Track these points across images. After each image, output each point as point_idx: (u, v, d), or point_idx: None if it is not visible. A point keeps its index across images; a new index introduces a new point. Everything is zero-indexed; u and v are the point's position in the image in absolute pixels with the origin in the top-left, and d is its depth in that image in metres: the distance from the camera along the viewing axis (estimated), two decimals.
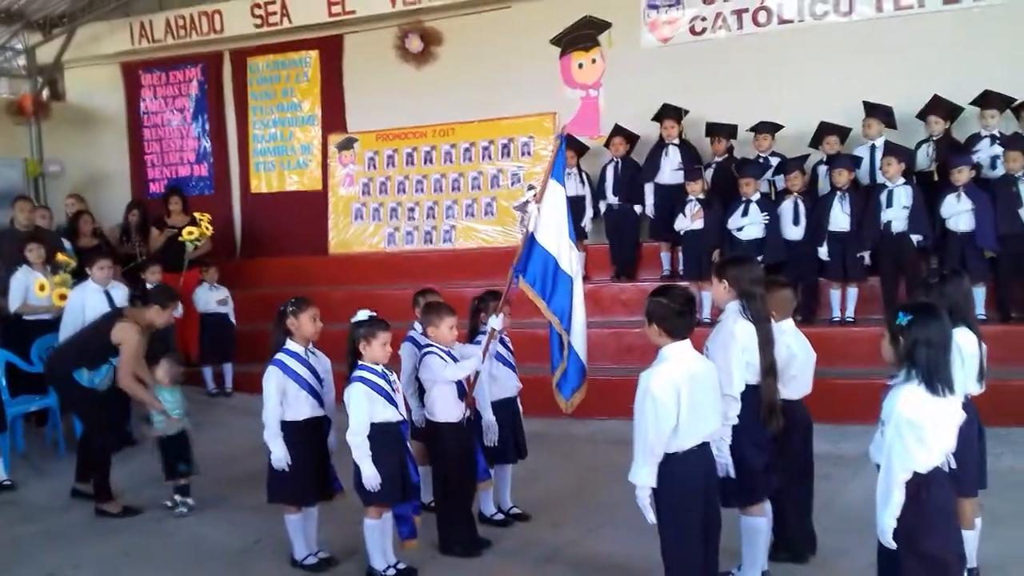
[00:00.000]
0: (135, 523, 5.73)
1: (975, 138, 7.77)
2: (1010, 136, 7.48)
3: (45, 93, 11.91)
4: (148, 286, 8.21)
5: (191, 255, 9.16)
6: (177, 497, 5.97)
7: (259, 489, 5.01)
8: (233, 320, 9.05)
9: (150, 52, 11.60)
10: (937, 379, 3.07)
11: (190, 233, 9.09)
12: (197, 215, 9.37)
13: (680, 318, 3.61)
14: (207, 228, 9.27)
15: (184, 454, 6.02)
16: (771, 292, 4.14)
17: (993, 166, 7.55)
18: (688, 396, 3.49)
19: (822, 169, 8.15)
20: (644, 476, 3.51)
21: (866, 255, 7.55)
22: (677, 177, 8.40)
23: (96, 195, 11.13)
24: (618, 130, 8.85)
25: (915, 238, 7.31)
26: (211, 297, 8.95)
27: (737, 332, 3.91)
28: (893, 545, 3.11)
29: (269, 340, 4.86)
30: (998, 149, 7.50)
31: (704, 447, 3.64)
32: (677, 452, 3.53)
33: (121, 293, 7.42)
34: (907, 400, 3.08)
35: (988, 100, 7.65)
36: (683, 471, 3.55)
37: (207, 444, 7.50)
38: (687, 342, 3.62)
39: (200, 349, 9.07)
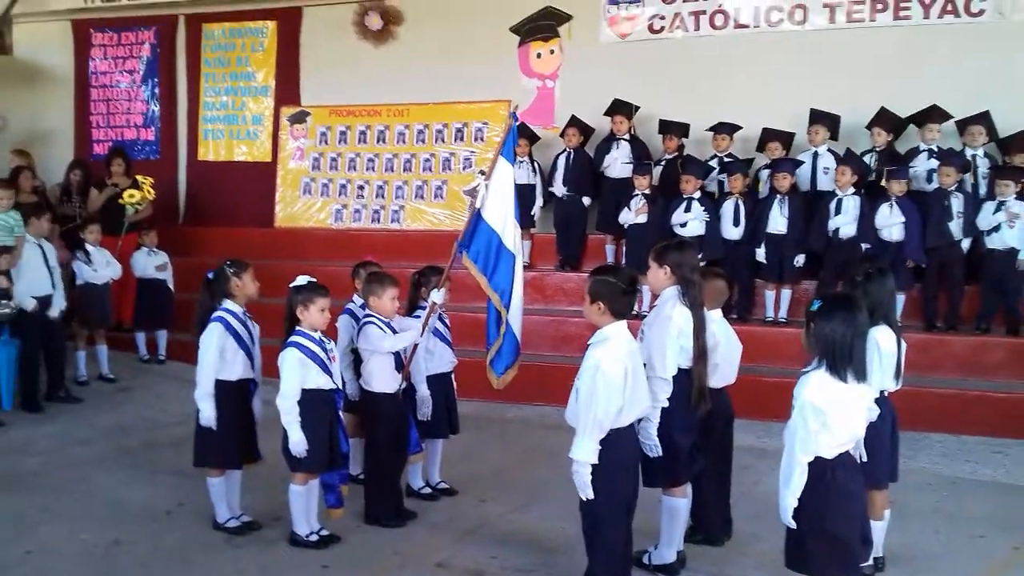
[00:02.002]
0: (54, 481, 5.64)
1: (914, 151, 8.01)
2: (946, 151, 7.72)
3: None
4: (87, 246, 8.08)
5: (131, 218, 9.00)
6: None
7: (185, 454, 4.98)
8: (171, 287, 8.90)
9: (103, 11, 11.40)
10: (843, 366, 3.17)
11: (131, 196, 8.93)
12: (139, 178, 9.20)
13: (624, 298, 3.68)
14: (149, 192, 9.12)
15: None
16: (706, 281, 4.24)
17: (929, 179, 7.79)
18: (632, 375, 3.57)
19: (764, 173, 8.33)
20: (587, 452, 3.55)
21: (801, 258, 7.73)
22: (625, 171, 8.51)
23: (38, 152, 10.81)
24: (574, 121, 8.94)
25: (864, 246, 7.51)
26: (149, 262, 8.78)
27: (675, 316, 3.99)
28: (793, 524, 3.21)
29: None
30: (934, 163, 7.74)
31: (632, 426, 3.72)
32: (615, 429, 3.60)
33: (51, 250, 7.32)
34: (813, 386, 3.19)
35: (931, 115, 7.88)
36: (619, 448, 3.62)
37: (136, 409, 7.48)
38: (625, 323, 3.69)
39: (135, 314, 8.90)
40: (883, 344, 3.91)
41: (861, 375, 3.19)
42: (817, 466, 3.17)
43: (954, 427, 6.64)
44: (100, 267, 8.08)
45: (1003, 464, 6.09)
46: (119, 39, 11.40)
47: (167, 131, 11.26)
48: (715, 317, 4.33)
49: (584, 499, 3.64)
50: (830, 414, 3.15)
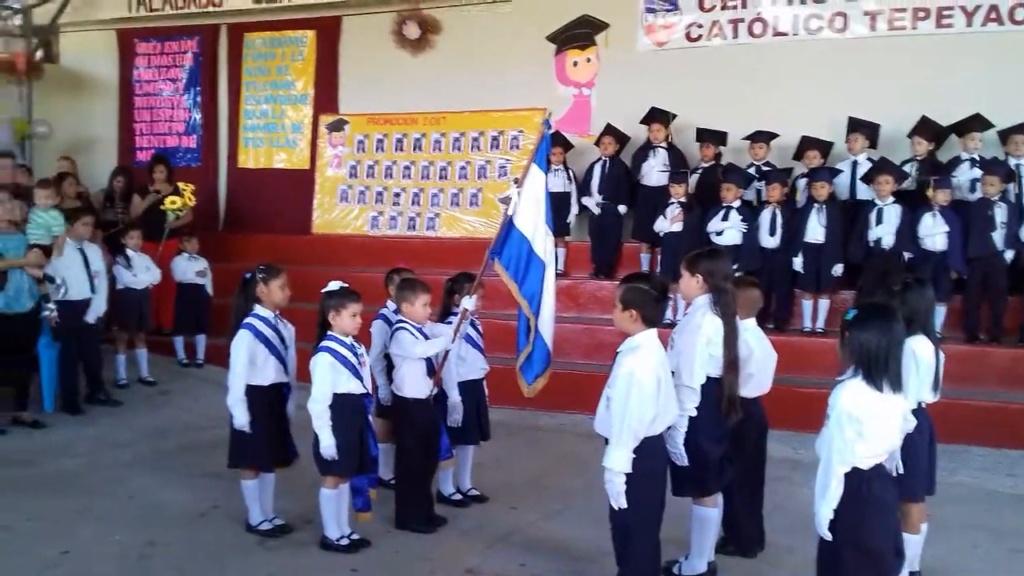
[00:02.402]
0: (92, 483, 5.73)
1: (956, 161, 7.87)
2: (989, 160, 7.58)
3: (39, 54, 11.84)
4: (128, 251, 8.22)
5: (172, 224, 9.14)
6: None
7: (220, 457, 5.03)
8: (210, 292, 9.02)
9: (147, 21, 11.61)
10: (878, 375, 3.12)
11: (172, 202, 9.07)
12: (181, 185, 9.35)
13: (656, 305, 3.66)
14: (190, 198, 9.26)
15: None
16: (740, 290, 4.21)
17: (972, 189, 7.66)
18: (663, 382, 3.55)
19: (801, 182, 8.24)
20: (621, 461, 3.53)
21: (839, 268, 7.63)
22: (661, 179, 8.47)
23: (82, 159, 11.05)
24: (609, 129, 8.92)
25: (906, 255, 7.40)
26: (189, 267, 8.91)
27: (704, 325, 3.96)
28: (829, 536, 3.16)
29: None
30: (977, 172, 7.61)
31: (660, 436, 3.70)
32: (648, 438, 3.58)
33: (96, 254, 7.44)
34: (849, 395, 3.14)
35: (972, 124, 7.75)
36: (652, 456, 3.61)
37: (174, 412, 7.59)
38: (655, 331, 3.68)
39: (174, 318, 9.04)
40: (921, 354, 3.84)
41: (897, 385, 3.14)
42: (853, 477, 3.12)
43: (995, 440, 6.50)
44: (140, 272, 8.22)
45: None
46: (162, 48, 11.62)
47: (208, 139, 11.44)
48: (749, 326, 4.29)
49: (616, 508, 3.61)
50: (866, 423, 3.10)
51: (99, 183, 10.28)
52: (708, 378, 3.95)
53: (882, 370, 3.11)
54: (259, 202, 10.98)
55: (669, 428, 3.81)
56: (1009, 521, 5.13)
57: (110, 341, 8.07)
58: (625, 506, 3.58)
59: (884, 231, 7.48)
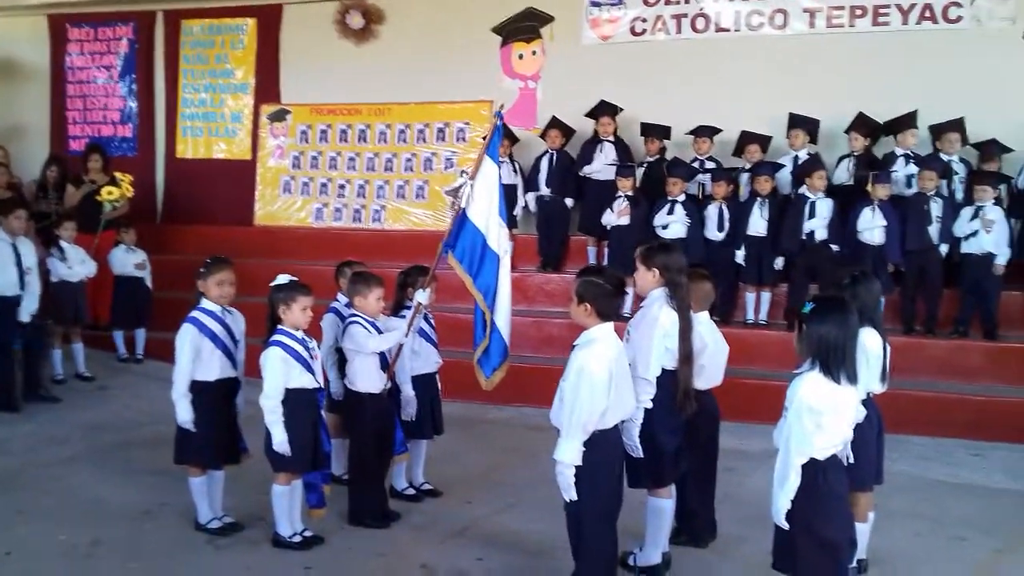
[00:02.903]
0: (31, 481, 5.56)
1: (891, 156, 8.09)
2: (926, 157, 7.80)
3: None
4: (62, 243, 7.97)
5: (108, 216, 8.89)
6: None
7: (163, 454, 4.93)
8: (150, 285, 8.80)
9: (79, 6, 11.27)
10: (836, 368, 3.19)
11: (109, 193, 8.83)
12: (118, 175, 9.11)
13: (611, 299, 3.67)
14: (128, 189, 9.03)
15: None
16: (693, 283, 4.24)
17: (908, 184, 7.88)
18: (616, 376, 3.57)
19: (744, 176, 8.38)
20: (571, 453, 3.54)
21: (780, 261, 7.79)
22: (609, 173, 8.52)
23: (13, 148, 10.59)
24: (555, 123, 8.94)
25: (834, 247, 7.58)
26: (128, 260, 8.67)
27: (661, 318, 3.99)
28: (786, 526, 3.22)
29: (185, 307, 4.77)
30: (912, 168, 7.83)
31: (617, 428, 3.72)
32: (600, 431, 3.60)
33: (28, 249, 7.18)
34: (808, 387, 3.19)
35: (907, 121, 7.96)
36: (604, 449, 3.62)
37: (114, 408, 7.39)
38: (611, 325, 3.69)
39: (112, 312, 8.78)
40: (870, 346, 3.93)
41: (853, 377, 3.21)
42: (809, 468, 3.18)
43: (933, 430, 6.69)
44: (75, 264, 7.97)
45: (982, 467, 6.16)
46: (96, 34, 11.28)
47: (145, 128, 11.16)
48: (702, 319, 4.34)
49: (568, 500, 3.63)
50: (825, 415, 3.17)
51: (31, 173, 9.93)
52: (663, 370, 3.99)
53: (840, 362, 3.17)
54: (198, 193, 10.75)
55: (624, 421, 3.83)
56: (950, 509, 5.29)
57: (46, 335, 7.81)
58: (576, 498, 3.60)
59: (817, 224, 7.65)
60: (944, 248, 7.48)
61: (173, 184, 11.12)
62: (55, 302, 7.77)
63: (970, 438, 6.61)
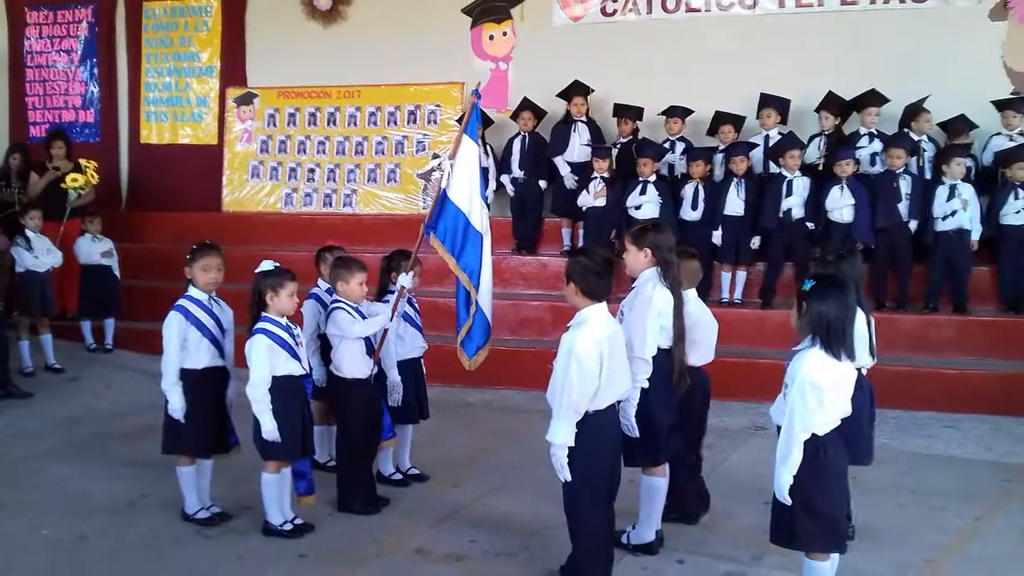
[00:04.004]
0: (9, 476, 5.45)
1: (856, 135, 8.19)
2: (895, 135, 7.90)
3: None
4: (28, 233, 7.80)
5: (73, 203, 8.71)
6: None
7: (144, 444, 4.87)
8: (117, 273, 8.64)
9: None
10: (836, 344, 3.23)
11: (74, 180, 8.64)
12: (83, 162, 8.91)
13: (597, 279, 3.68)
14: (93, 176, 8.84)
15: None
16: (682, 262, 4.27)
17: (872, 162, 7.98)
18: (608, 357, 3.58)
19: (718, 157, 8.42)
20: (564, 434, 3.56)
21: (756, 240, 7.86)
22: (584, 154, 8.52)
23: None
24: (527, 104, 8.90)
25: (810, 225, 7.67)
26: (94, 248, 8.50)
27: (655, 298, 4.00)
28: (789, 501, 3.26)
29: (154, 296, 4.74)
30: (877, 146, 7.95)
31: (613, 408, 3.74)
32: (594, 411, 3.61)
33: None
34: (811, 363, 3.23)
35: (869, 99, 8.06)
36: (599, 430, 3.64)
37: (86, 400, 7.28)
38: (604, 305, 3.70)
39: (80, 302, 8.63)
40: (856, 322, 3.98)
41: (851, 353, 3.26)
42: (810, 444, 3.22)
43: (906, 403, 6.81)
44: (41, 254, 7.84)
45: (955, 438, 6.28)
46: (55, 17, 11.02)
47: (107, 113, 10.95)
48: (691, 297, 4.38)
49: (564, 481, 3.65)
50: (827, 391, 3.21)
51: None
52: (659, 350, 4.01)
53: (840, 339, 3.22)
54: (164, 179, 10.58)
55: (621, 401, 3.85)
56: (928, 481, 5.40)
57: (12, 327, 7.66)
58: (570, 478, 3.62)
59: (794, 202, 7.73)
60: (913, 225, 7.59)
61: (138, 170, 10.92)
62: (22, 293, 7.62)
63: (943, 410, 6.76)
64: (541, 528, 4.52)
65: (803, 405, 3.19)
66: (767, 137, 8.35)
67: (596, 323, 3.65)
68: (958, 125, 7.94)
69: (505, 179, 8.97)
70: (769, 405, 3.51)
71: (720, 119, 8.45)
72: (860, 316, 4.08)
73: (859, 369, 3.98)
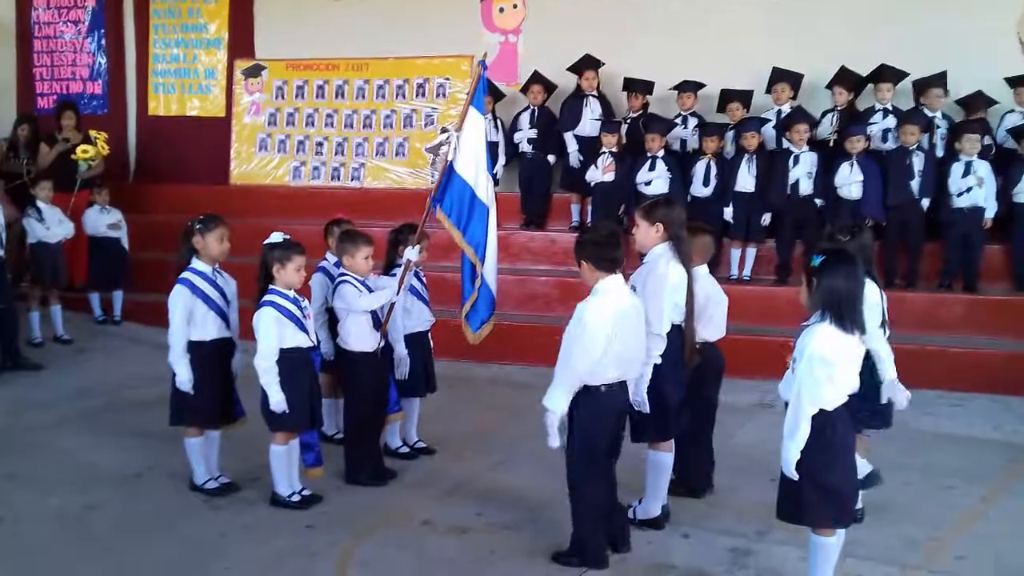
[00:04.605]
0: (17, 446, 5.49)
1: (870, 111, 8.10)
2: (908, 111, 7.82)
3: None
4: (39, 204, 7.80)
5: (84, 175, 8.71)
6: None
7: (153, 415, 4.87)
8: (126, 246, 8.65)
9: None
10: (848, 318, 3.21)
11: (85, 151, 8.65)
12: (93, 133, 8.92)
13: (600, 248, 3.69)
14: (103, 147, 8.85)
15: None
16: (694, 237, 4.27)
17: (884, 139, 7.90)
18: (618, 330, 3.57)
19: (729, 133, 8.34)
20: (560, 401, 3.59)
21: (767, 217, 7.81)
22: (595, 129, 8.46)
23: None
24: (537, 77, 8.84)
25: (818, 201, 7.63)
26: (102, 220, 8.50)
27: (670, 274, 3.99)
28: (795, 476, 3.25)
29: (162, 268, 4.72)
30: (891, 122, 7.86)
31: (623, 383, 3.73)
32: (600, 386, 3.61)
33: None
34: (820, 338, 3.21)
35: (883, 74, 7.97)
36: (605, 403, 3.65)
37: (95, 372, 7.32)
38: (619, 277, 3.70)
39: (89, 274, 8.64)
40: (870, 296, 3.98)
41: (862, 327, 3.25)
42: (819, 419, 3.21)
43: (914, 382, 6.56)
44: (53, 225, 7.85)
45: (962, 417, 6.27)
46: None
47: (115, 84, 10.88)
48: (702, 273, 4.37)
49: (551, 447, 3.68)
50: (837, 366, 3.19)
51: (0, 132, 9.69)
52: (672, 325, 4.00)
53: (852, 312, 3.20)
54: (172, 151, 10.53)
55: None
56: (935, 458, 5.40)
57: (22, 298, 7.68)
58: (557, 445, 3.67)
59: (801, 172, 7.67)
60: (926, 202, 7.53)
61: (145, 142, 10.89)
62: (34, 264, 7.65)
63: (951, 389, 6.71)
64: (547, 502, 4.54)
65: (811, 380, 3.18)
66: (779, 112, 8.26)
67: (610, 295, 3.66)
68: (976, 102, 7.85)
69: (519, 136, 8.86)
70: (776, 382, 3.49)
71: (727, 96, 8.37)
72: (874, 289, 4.10)
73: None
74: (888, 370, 4.22)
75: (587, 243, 3.76)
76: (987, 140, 7.65)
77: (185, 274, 4.59)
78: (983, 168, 7.34)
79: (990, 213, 7.36)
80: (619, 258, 3.72)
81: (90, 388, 6.81)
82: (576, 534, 3.84)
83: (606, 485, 3.84)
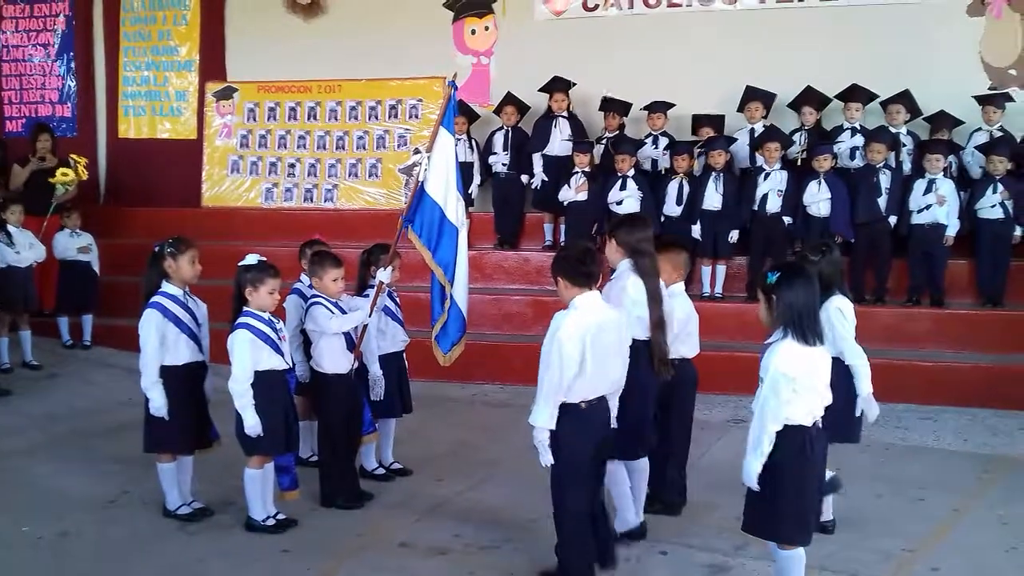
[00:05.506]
0: None
1: (838, 129, 8.24)
2: (875, 129, 7.95)
3: None
4: (9, 227, 7.72)
5: (59, 198, 8.63)
6: None
7: (124, 440, 4.82)
8: (96, 269, 8.57)
9: None
10: (809, 330, 3.26)
11: (64, 175, 8.58)
12: (73, 157, 8.86)
13: (575, 265, 3.71)
14: (83, 172, 8.81)
15: None
16: (668, 253, 4.33)
17: (852, 156, 8.04)
18: (593, 346, 3.59)
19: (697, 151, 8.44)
20: (545, 418, 3.59)
21: (735, 234, 7.90)
22: (566, 149, 8.53)
23: None
24: (510, 99, 8.90)
25: (786, 220, 7.73)
26: (71, 244, 8.41)
27: (629, 288, 4.05)
28: (757, 488, 3.30)
29: (133, 292, 4.67)
30: (859, 140, 8.00)
31: (603, 400, 3.75)
32: (579, 403, 3.63)
33: None
34: (782, 356, 3.26)
35: (854, 94, 8.12)
36: (585, 420, 3.65)
37: (64, 397, 7.23)
38: (595, 293, 3.72)
39: (58, 298, 8.53)
40: (846, 311, 4.10)
41: (821, 338, 3.31)
42: (797, 435, 3.26)
43: (884, 396, 6.66)
44: (23, 249, 7.75)
45: (932, 430, 6.35)
46: (31, 11, 10.88)
47: (85, 107, 10.83)
48: (677, 291, 4.41)
49: (544, 465, 3.67)
50: (800, 381, 3.24)
51: None
52: (636, 340, 4.00)
53: (812, 324, 3.26)
54: (143, 174, 10.47)
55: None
56: (905, 471, 5.46)
57: None
58: (552, 462, 3.65)
59: (769, 187, 7.77)
60: (893, 219, 7.65)
61: (116, 165, 10.83)
62: (4, 288, 7.54)
63: (921, 403, 6.81)
64: (525, 521, 4.54)
65: (775, 398, 3.23)
66: (752, 131, 8.37)
67: (584, 311, 3.67)
68: (941, 121, 8.00)
69: (494, 160, 8.92)
70: (750, 398, 3.53)
71: (698, 122, 8.49)
72: (849, 305, 4.20)
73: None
74: (864, 386, 4.24)
75: (563, 260, 3.79)
76: (952, 158, 7.80)
77: (156, 298, 4.55)
78: (946, 186, 7.49)
79: (951, 231, 7.50)
80: (595, 273, 3.74)
81: (60, 414, 6.72)
82: (562, 551, 3.83)
83: (591, 501, 3.82)
